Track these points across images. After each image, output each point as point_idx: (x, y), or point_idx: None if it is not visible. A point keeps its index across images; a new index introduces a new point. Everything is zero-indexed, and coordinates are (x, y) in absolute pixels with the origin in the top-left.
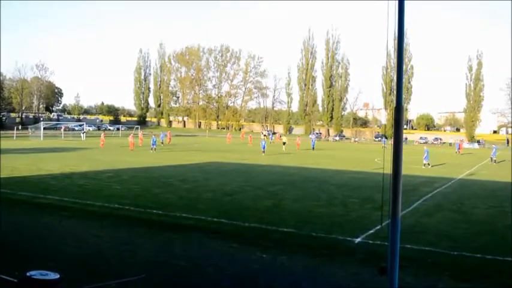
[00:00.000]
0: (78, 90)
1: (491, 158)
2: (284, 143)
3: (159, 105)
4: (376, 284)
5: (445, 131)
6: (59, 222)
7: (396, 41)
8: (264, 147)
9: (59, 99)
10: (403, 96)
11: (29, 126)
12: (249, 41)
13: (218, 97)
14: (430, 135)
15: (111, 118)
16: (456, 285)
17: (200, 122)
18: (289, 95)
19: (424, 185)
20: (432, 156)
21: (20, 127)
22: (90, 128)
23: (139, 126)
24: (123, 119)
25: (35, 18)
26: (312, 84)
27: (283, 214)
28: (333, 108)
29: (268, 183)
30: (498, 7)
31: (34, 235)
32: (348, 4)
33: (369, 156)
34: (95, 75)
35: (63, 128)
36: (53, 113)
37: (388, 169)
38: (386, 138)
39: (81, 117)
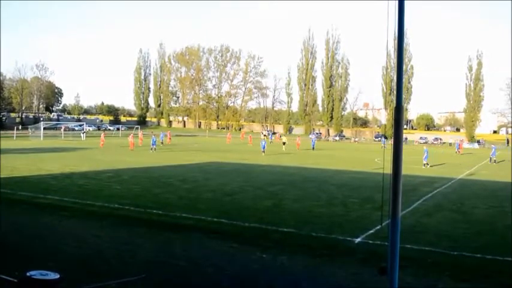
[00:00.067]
0: (78, 90)
1: (491, 158)
2: (284, 143)
3: (159, 105)
4: (376, 284)
5: (445, 131)
6: (59, 222)
7: (396, 41)
8: (264, 147)
9: (59, 99)
10: (403, 96)
11: (29, 126)
12: (249, 41)
13: (218, 97)
14: (430, 135)
15: (111, 118)
16: (456, 285)
17: (200, 122)
18: (289, 95)
19: (424, 185)
20: (432, 156)
21: (20, 127)
22: (90, 128)
23: (139, 126)
24: (123, 119)
25: (35, 18)
26: (312, 84)
27: (283, 214)
28: (333, 108)
29: (268, 183)
30: (498, 7)
31: (34, 235)
32: (348, 4)
33: (369, 156)
34: (95, 75)
35: (63, 128)
36: (53, 113)
37: (388, 169)
38: (386, 138)
39: (81, 117)
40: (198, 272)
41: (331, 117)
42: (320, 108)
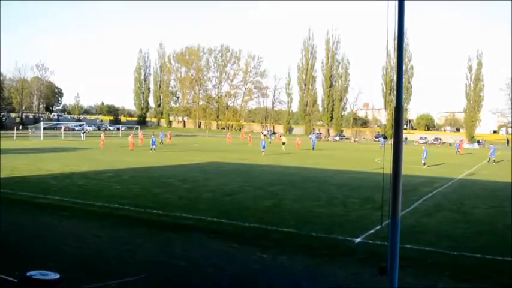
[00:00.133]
0: (78, 90)
1: (490, 158)
2: (284, 143)
3: (159, 105)
4: (376, 284)
5: (445, 131)
6: (59, 222)
7: (396, 41)
8: (264, 147)
9: (59, 99)
10: (403, 96)
11: (29, 126)
12: (249, 41)
13: (218, 97)
14: (430, 135)
15: (111, 118)
16: (456, 285)
17: (200, 122)
18: (289, 95)
19: (424, 185)
20: (432, 156)
21: (20, 127)
22: (90, 128)
23: (139, 126)
24: (123, 119)
25: (35, 18)
26: (312, 84)
27: (283, 214)
28: (333, 108)
29: (268, 183)
30: (498, 7)
31: (34, 235)
32: (348, 4)
33: (369, 156)
34: (95, 75)
35: (63, 128)
36: (53, 113)
37: (388, 169)
38: (386, 138)
39: (81, 117)
40: (198, 272)
41: (331, 117)
42: (320, 108)
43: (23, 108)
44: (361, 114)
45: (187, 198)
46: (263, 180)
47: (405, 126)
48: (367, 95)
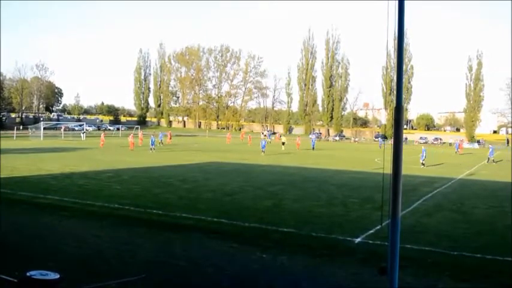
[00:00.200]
0: (78, 90)
1: (489, 158)
2: (283, 143)
3: (159, 105)
4: (376, 284)
5: (445, 131)
6: (59, 222)
7: (396, 41)
8: (263, 147)
9: (59, 99)
10: (403, 96)
11: (29, 126)
12: (249, 41)
13: (218, 97)
14: (430, 135)
15: (111, 118)
16: (456, 285)
17: (200, 122)
18: (289, 95)
19: (424, 185)
20: (432, 156)
21: (21, 127)
22: (90, 128)
23: (139, 126)
24: (123, 119)
25: (35, 18)
26: (312, 84)
27: (283, 214)
28: (333, 108)
29: (268, 183)
30: (498, 7)
31: (34, 235)
32: (348, 4)
33: (369, 156)
34: (95, 75)
35: (63, 128)
36: (53, 113)
37: (388, 169)
38: (386, 138)
39: (81, 117)
40: (198, 272)
41: (331, 117)
42: (320, 108)
43: (23, 108)
44: (361, 114)
45: (187, 198)
46: (263, 180)
47: (405, 126)
48: (367, 95)
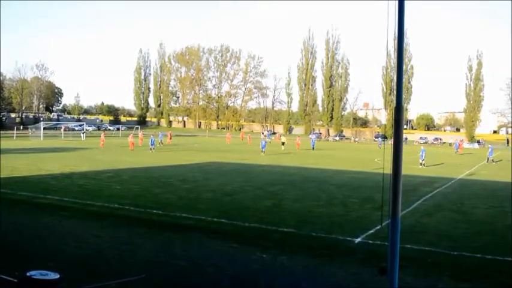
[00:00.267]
0: (78, 90)
1: (488, 158)
2: (283, 143)
3: (159, 105)
4: (376, 284)
5: (445, 131)
6: (59, 222)
7: (396, 41)
8: (263, 147)
9: (59, 99)
10: (403, 96)
11: (29, 126)
12: (249, 41)
13: (218, 97)
14: (430, 135)
15: (111, 118)
16: (456, 285)
17: (200, 122)
18: (289, 95)
19: (424, 185)
20: (432, 157)
21: (21, 127)
22: (90, 128)
23: (139, 126)
24: (123, 119)
25: (35, 18)
26: (312, 84)
27: (283, 214)
28: (333, 108)
29: (268, 183)
30: (498, 7)
31: (34, 235)
32: (348, 4)
33: (369, 156)
34: (95, 75)
35: (63, 128)
36: (53, 113)
37: (388, 169)
38: (386, 138)
39: (81, 117)
40: (198, 272)
41: (331, 117)
42: (320, 108)
43: (23, 108)
44: (361, 114)
45: (187, 198)
46: (263, 180)
47: (405, 126)
48: (367, 95)
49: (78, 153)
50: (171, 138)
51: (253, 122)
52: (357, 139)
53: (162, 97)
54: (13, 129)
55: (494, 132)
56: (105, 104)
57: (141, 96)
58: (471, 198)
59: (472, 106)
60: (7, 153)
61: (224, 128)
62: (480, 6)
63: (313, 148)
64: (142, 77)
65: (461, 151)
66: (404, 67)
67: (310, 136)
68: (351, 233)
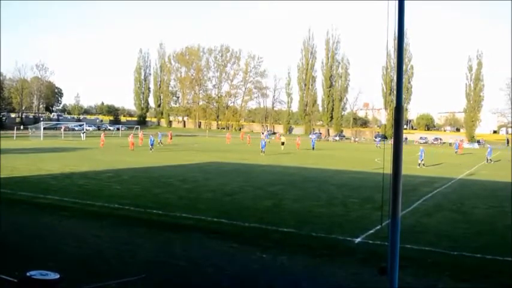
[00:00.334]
0: (78, 90)
1: (487, 158)
2: (283, 143)
3: (159, 105)
4: (376, 284)
5: (445, 131)
6: (59, 222)
7: (396, 41)
8: (263, 147)
9: (59, 99)
10: (403, 96)
11: (29, 126)
12: (249, 41)
13: (218, 97)
14: (430, 135)
15: (111, 118)
16: (456, 285)
17: (200, 122)
18: (289, 95)
19: (424, 185)
20: (432, 157)
21: (21, 127)
22: (90, 128)
23: (139, 126)
24: (123, 119)
25: (35, 18)
26: (312, 84)
27: (283, 214)
28: (333, 108)
29: (268, 183)
30: (498, 7)
31: (34, 235)
32: (348, 4)
33: (369, 156)
34: (95, 75)
35: (63, 128)
36: (53, 113)
37: (388, 169)
38: (386, 138)
39: (81, 117)
40: (198, 272)
41: (331, 117)
42: (320, 108)
43: (23, 108)
44: (361, 114)
45: (187, 198)
46: (263, 180)
47: (405, 126)
48: (367, 95)
49: (78, 153)
50: (171, 138)
51: (253, 122)
52: (357, 139)
53: (162, 97)
54: (13, 129)
55: (494, 132)
56: (105, 104)
57: (141, 96)
58: (471, 198)
59: (472, 106)
60: (7, 153)
61: (224, 128)
62: (480, 6)
63: (313, 148)
64: (142, 77)
65: (461, 151)
66: (404, 67)
67: (310, 136)
68: (351, 233)
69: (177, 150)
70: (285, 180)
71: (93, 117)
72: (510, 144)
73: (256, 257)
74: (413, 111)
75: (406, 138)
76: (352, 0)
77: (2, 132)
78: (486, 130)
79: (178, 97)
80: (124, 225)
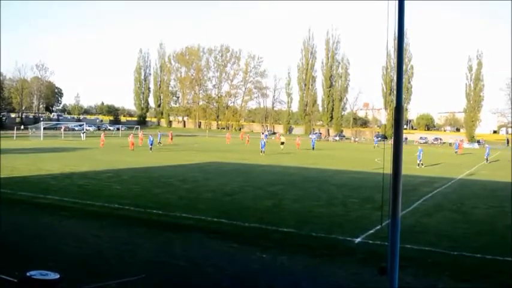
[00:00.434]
0: (78, 90)
1: (487, 159)
2: (282, 143)
3: (159, 105)
4: (376, 284)
5: (445, 131)
6: (59, 222)
7: (396, 41)
8: (263, 147)
9: (59, 99)
10: (403, 96)
11: (29, 126)
12: (249, 41)
13: (218, 97)
14: (430, 135)
15: (111, 118)
16: (456, 285)
17: (200, 122)
18: (289, 95)
19: (424, 185)
20: (432, 156)
21: (21, 127)
22: (90, 128)
23: (139, 126)
24: (123, 119)
25: (35, 18)
26: (312, 84)
27: (283, 214)
28: (333, 108)
29: (268, 183)
30: (498, 7)
31: (34, 235)
32: (348, 4)
33: (369, 156)
34: (95, 75)
35: (63, 128)
36: (53, 113)
37: (388, 169)
38: (386, 138)
39: (81, 117)
40: (198, 272)
41: (331, 117)
42: (320, 108)
43: (23, 108)
44: (361, 114)
45: (187, 198)
46: (263, 180)
47: (405, 126)
48: (367, 95)
49: (78, 153)
50: (172, 139)
51: (253, 122)
52: (357, 139)
53: (162, 97)
54: (13, 129)
55: (494, 132)
56: (105, 104)
57: (141, 96)
58: (471, 198)
59: (472, 106)
60: (7, 153)
61: (224, 128)
62: (480, 6)
63: (313, 148)
64: (142, 77)
65: (461, 151)
66: (404, 67)
67: (310, 136)
68: (351, 233)
69: (177, 150)
70: (285, 180)
71: (93, 117)
72: (510, 144)
73: (256, 257)
74: (413, 111)
75: (406, 138)
76: (352, 0)
77: (2, 132)
78: (486, 130)
79: (178, 97)
80: (124, 225)
